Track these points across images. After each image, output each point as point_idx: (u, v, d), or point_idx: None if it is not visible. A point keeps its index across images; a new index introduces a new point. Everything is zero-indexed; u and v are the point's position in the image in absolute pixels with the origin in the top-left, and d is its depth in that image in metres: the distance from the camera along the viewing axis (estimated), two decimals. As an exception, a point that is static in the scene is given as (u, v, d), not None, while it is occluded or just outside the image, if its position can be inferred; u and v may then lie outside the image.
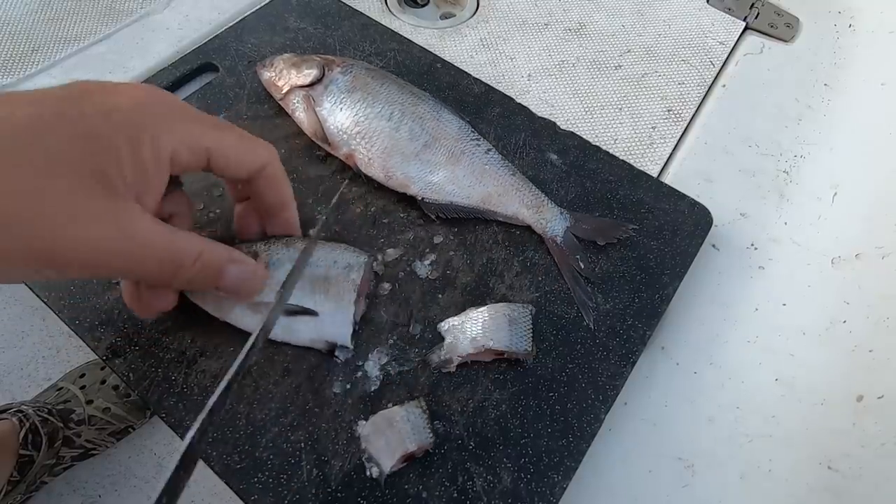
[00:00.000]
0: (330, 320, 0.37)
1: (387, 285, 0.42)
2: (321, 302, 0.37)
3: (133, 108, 0.26)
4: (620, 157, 0.51)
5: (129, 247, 0.26)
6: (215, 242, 0.31)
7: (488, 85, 0.54)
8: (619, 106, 0.58)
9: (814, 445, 0.43)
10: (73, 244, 0.24)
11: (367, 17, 0.59)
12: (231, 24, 0.56)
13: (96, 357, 0.41)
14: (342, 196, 0.45)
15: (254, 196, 0.35)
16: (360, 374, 0.38)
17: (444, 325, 0.40)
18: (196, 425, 0.25)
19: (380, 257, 0.43)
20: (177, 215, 0.33)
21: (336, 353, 0.38)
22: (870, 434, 0.43)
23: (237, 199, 0.38)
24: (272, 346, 0.38)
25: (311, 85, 0.47)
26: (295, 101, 0.47)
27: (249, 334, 0.30)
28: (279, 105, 0.49)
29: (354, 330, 0.38)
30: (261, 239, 0.38)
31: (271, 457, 0.35)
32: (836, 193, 0.55)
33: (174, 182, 0.32)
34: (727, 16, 0.67)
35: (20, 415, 0.56)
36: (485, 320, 0.39)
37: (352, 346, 0.38)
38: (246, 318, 0.37)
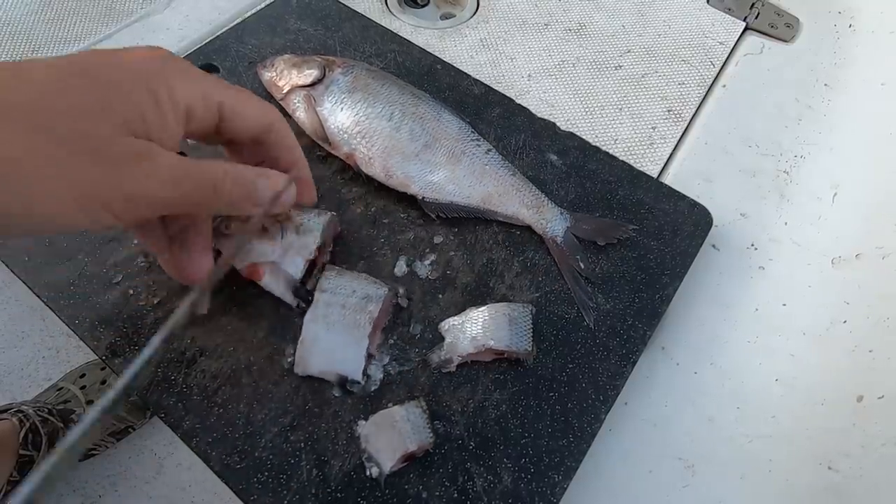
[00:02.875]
0: (342, 352, 0.37)
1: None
2: (335, 332, 0.36)
3: (148, 61, 0.27)
4: (620, 158, 0.51)
5: (168, 175, 0.27)
6: (238, 164, 0.32)
7: (488, 86, 0.54)
8: (619, 106, 0.58)
9: (814, 445, 0.43)
10: (122, 182, 0.25)
11: (368, 18, 0.59)
12: (231, 25, 0.56)
13: (96, 357, 0.41)
14: (342, 196, 0.45)
15: (266, 161, 0.35)
16: (360, 373, 0.38)
17: (445, 325, 0.40)
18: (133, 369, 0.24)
19: (401, 290, 0.41)
20: None
21: (347, 386, 0.37)
22: (870, 434, 0.43)
23: None
24: (273, 347, 0.38)
25: (312, 85, 0.47)
26: (296, 101, 0.47)
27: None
28: (280, 105, 0.49)
29: (366, 363, 0.38)
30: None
31: (271, 457, 0.35)
32: (836, 193, 0.55)
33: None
34: (727, 16, 0.67)
35: (20, 415, 0.56)
36: (485, 320, 0.39)
37: (363, 382, 0.37)
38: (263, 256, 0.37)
